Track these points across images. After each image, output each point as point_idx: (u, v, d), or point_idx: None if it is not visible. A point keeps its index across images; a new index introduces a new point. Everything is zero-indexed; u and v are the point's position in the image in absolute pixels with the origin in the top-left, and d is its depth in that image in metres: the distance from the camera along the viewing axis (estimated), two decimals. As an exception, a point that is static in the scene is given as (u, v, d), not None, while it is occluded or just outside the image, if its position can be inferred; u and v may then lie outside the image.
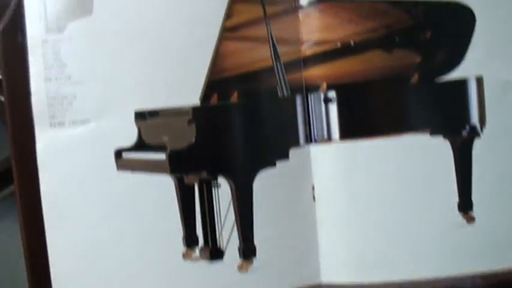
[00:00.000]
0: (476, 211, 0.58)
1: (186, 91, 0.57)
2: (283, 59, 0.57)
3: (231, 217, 0.58)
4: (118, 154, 0.57)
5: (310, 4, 0.56)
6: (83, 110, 0.56)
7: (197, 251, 0.59)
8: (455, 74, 0.59)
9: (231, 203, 0.58)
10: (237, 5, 0.56)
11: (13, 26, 0.57)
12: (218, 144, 0.57)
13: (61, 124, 0.56)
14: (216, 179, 0.58)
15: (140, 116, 0.57)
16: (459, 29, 0.58)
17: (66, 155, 0.57)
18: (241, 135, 0.57)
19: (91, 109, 0.56)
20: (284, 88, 0.58)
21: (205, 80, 0.56)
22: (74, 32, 0.56)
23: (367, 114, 0.59)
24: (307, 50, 0.57)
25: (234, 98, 0.57)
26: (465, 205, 0.59)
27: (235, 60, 0.57)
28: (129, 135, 0.58)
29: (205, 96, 0.57)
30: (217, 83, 0.57)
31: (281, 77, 0.57)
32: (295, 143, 0.58)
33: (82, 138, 0.57)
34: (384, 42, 0.59)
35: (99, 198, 0.57)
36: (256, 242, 0.58)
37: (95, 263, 0.56)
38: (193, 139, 0.57)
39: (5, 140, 1.81)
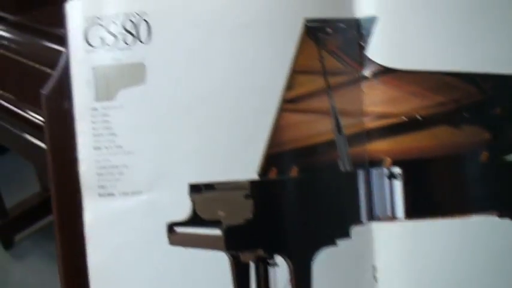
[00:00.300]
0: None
1: (243, 164, 0.54)
2: (345, 132, 0.54)
3: (288, 298, 0.54)
4: (171, 228, 0.55)
5: (374, 75, 0.54)
6: (135, 181, 0.54)
7: (250, 334, 0.55)
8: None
9: (289, 283, 0.54)
10: (298, 75, 0.53)
11: (59, 93, 0.56)
12: (276, 221, 0.54)
13: (111, 195, 0.54)
14: (273, 257, 0.55)
15: (195, 189, 0.55)
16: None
17: (115, 227, 0.54)
18: (301, 211, 0.54)
19: (143, 180, 0.54)
20: (346, 163, 0.55)
21: (264, 153, 0.54)
22: (126, 100, 0.54)
23: (434, 193, 0.56)
24: (370, 122, 0.54)
25: (294, 172, 0.54)
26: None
27: (295, 133, 0.54)
28: (182, 208, 0.55)
29: (264, 170, 0.54)
30: (276, 156, 0.54)
31: (343, 151, 0.55)
32: (357, 220, 0.55)
33: (133, 210, 0.54)
34: (452, 117, 0.56)
35: (149, 273, 0.54)
36: (313, 326, 0.54)
37: None
38: (251, 215, 0.54)
39: (31, 177, 1.80)
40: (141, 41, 0.54)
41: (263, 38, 0.53)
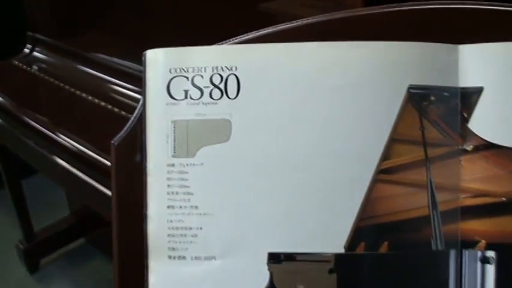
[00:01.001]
0: None
1: (329, 236, 0.50)
2: (440, 208, 0.50)
3: None
4: (244, 300, 0.50)
5: (475, 149, 0.49)
6: (209, 245, 0.50)
7: None
8: None
9: None
10: (396, 144, 0.49)
11: (131, 144, 0.53)
12: (361, 300, 0.49)
13: (182, 258, 0.50)
14: None
15: (275, 258, 0.51)
16: None
17: (184, 293, 0.50)
18: (389, 291, 0.49)
19: (218, 245, 0.50)
20: (439, 241, 0.50)
21: (353, 225, 0.50)
22: (207, 157, 0.51)
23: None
24: (466, 200, 0.50)
25: (384, 248, 0.50)
26: None
27: (388, 206, 0.50)
28: (258, 278, 0.51)
29: (351, 243, 0.50)
30: (366, 230, 0.50)
31: (437, 228, 0.50)
32: (445, 305, 0.50)
33: (204, 276, 0.50)
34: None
35: None
36: None
37: None
38: (333, 291, 0.49)
39: (61, 200, 1.79)
40: (228, 97, 0.50)
41: (364, 101, 0.49)
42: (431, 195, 0.51)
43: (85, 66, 1.61)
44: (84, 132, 1.35)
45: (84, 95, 1.52)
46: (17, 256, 1.90)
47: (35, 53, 1.68)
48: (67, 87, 1.56)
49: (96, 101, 1.51)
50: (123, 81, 1.47)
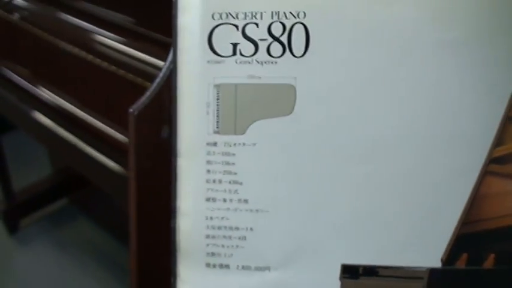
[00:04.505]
0: None
1: (421, 245, 0.38)
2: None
3: None
4: (306, 322, 0.38)
5: None
6: (262, 252, 0.38)
7: None
8: None
9: None
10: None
11: (156, 114, 0.40)
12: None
13: (224, 267, 0.38)
14: None
15: (350, 271, 0.39)
16: None
17: (226, 312, 0.38)
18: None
19: (274, 252, 0.39)
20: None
21: (454, 231, 0.38)
22: (261, 136, 0.38)
23: None
24: None
25: (490, 262, 0.38)
26: None
27: (498, 207, 0.38)
28: (325, 295, 0.39)
29: (451, 255, 0.38)
30: (470, 237, 0.38)
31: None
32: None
33: None
34: None
35: None
36: None
37: None
38: (423, 316, 0.38)
39: (43, 157, 1.69)
40: (293, 54, 0.37)
41: (475, 65, 0.36)
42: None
43: (70, 15, 1.50)
44: (67, 86, 1.26)
45: (69, 46, 1.42)
46: (-4, 216, 1.83)
47: (17, 0, 1.57)
48: (51, 37, 1.45)
49: (83, 53, 1.40)
50: (112, 33, 1.37)
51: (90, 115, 1.07)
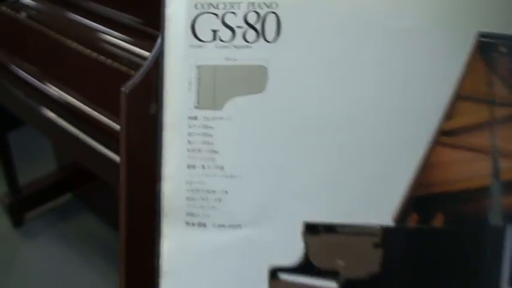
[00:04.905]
0: None
1: (376, 205, 0.43)
2: (502, 177, 0.43)
3: None
4: (274, 274, 0.44)
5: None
6: (235, 212, 0.44)
7: None
8: None
9: None
10: (460, 102, 0.42)
11: (145, 93, 0.45)
12: (407, 278, 0.43)
13: (202, 225, 0.43)
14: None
15: (311, 229, 0.44)
16: None
17: (202, 265, 0.44)
18: (437, 270, 0.43)
19: (245, 212, 0.44)
20: (498, 215, 0.44)
21: (405, 193, 0.43)
22: (236, 110, 0.43)
23: None
24: (533, 168, 0.43)
25: (438, 221, 0.43)
26: None
27: (447, 173, 0.43)
28: (290, 251, 0.44)
29: (402, 215, 0.43)
30: (419, 199, 0.43)
31: (496, 200, 0.43)
32: (496, 286, 0.44)
33: (227, 247, 0.44)
34: None
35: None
36: None
37: None
38: (378, 268, 0.43)
39: (48, 154, 1.72)
40: (266, 39, 0.42)
41: (428, 49, 0.41)
42: (494, 162, 0.44)
43: (77, 15, 1.53)
44: (73, 83, 1.29)
45: (75, 44, 1.45)
46: (1, 209, 1.85)
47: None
48: (57, 36, 1.49)
49: (88, 51, 1.44)
50: (116, 32, 1.41)
51: (96, 110, 1.11)
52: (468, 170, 0.44)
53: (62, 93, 1.24)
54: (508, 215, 0.44)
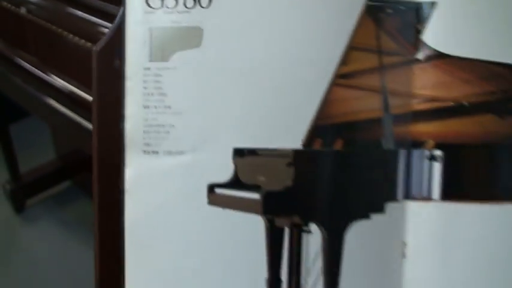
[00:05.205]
0: None
1: (288, 134, 0.55)
2: (392, 111, 0.55)
3: (318, 265, 0.56)
4: (211, 189, 0.56)
5: (427, 59, 0.54)
6: (180, 141, 0.55)
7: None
8: None
9: (320, 251, 0.55)
10: (353, 52, 0.54)
11: (111, 50, 0.57)
12: (315, 191, 0.55)
13: (155, 153, 0.55)
14: (308, 225, 0.56)
15: (239, 153, 0.56)
16: None
17: (156, 185, 0.55)
18: (340, 184, 0.55)
19: (188, 141, 0.55)
20: (389, 141, 0.56)
21: (311, 124, 0.55)
22: (179, 62, 0.55)
23: (473, 178, 0.57)
24: (417, 105, 0.55)
25: (338, 145, 0.55)
26: None
27: (344, 108, 0.55)
28: (224, 171, 0.56)
29: (309, 140, 0.55)
30: (322, 128, 0.55)
31: (388, 129, 0.55)
32: (393, 198, 0.56)
33: (175, 169, 0.55)
34: (499, 107, 0.56)
35: (185, 230, 0.55)
36: (340, 291, 0.55)
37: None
38: (290, 182, 0.55)
39: (48, 145, 1.79)
40: (201, 6, 0.55)
41: (323, 11, 0.54)
42: (384, 99, 0.56)
43: (75, 9, 1.60)
44: (72, 72, 1.36)
45: (72, 36, 1.52)
46: (3, 196, 1.92)
47: None
48: (56, 28, 1.55)
49: (89, 44, 1.51)
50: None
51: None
52: (362, 105, 0.56)
53: (62, 81, 1.33)
54: (399, 141, 0.56)
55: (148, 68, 0.55)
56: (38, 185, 1.96)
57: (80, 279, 1.57)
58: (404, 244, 0.55)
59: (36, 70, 1.39)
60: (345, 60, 0.54)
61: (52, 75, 1.35)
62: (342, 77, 0.55)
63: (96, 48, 0.58)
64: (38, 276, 1.71)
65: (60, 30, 1.52)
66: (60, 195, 2.00)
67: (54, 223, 1.90)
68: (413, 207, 0.56)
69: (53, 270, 1.72)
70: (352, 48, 0.54)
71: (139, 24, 0.56)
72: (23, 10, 1.59)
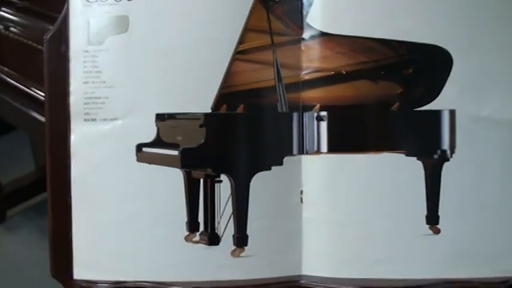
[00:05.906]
0: (442, 225, 0.67)
1: (201, 100, 0.68)
2: (284, 81, 0.68)
3: (229, 209, 0.68)
4: (139, 148, 0.68)
5: (311, 38, 0.67)
6: (113, 110, 0.67)
7: (197, 236, 0.69)
8: (432, 106, 0.69)
9: (230, 197, 0.67)
10: (249, 32, 0.67)
11: (58, 38, 0.69)
12: (223, 147, 0.68)
13: (93, 120, 0.67)
14: (219, 175, 0.68)
15: (160, 117, 0.68)
16: (437, 68, 0.68)
17: (95, 147, 0.68)
18: (244, 141, 0.68)
19: (120, 109, 0.67)
20: (283, 105, 0.68)
21: (217, 92, 0.67)
22: (111, 45, 0.67)
23: (352, 133, 0.70)
24: (305, 75, 0.67)
25: (241, 109, 0.68)
26: (432, 218, 0.67)
27: (243, 78, 0.68)
28: (149, 133, 0.68)
29: (216, 106, 0.68)
30: (227, 95, 0.68)
31: (281, 95, 0.68)
32: (289, 152, 0.68)
33: (110, 133, 0.67)
34: (372, 73, 0.69)
35: (120, 184, 0.67)
36: (248, 232, 0.67)
37: (111, 238, 0.67)
38: (203, 140, 0.67)
39: (28, 160, 1.84)
40: (127, -1, 0.68)
41: (224, 1, 0.67)
42: (277, 71, 0.69)
43: (51, 25, 1.63)
44: None
45: None
46: (-16, 207, 1.97)
47: (1, 13, 1.72)
48: (35, 45, 1.61)
49: None
50: None
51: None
52: (258, 76, 0.69)
53: (39, 92, 1.41)
54: (292, 105, 0.69)
55: (87, 51, 0.68)
56: (19, 196, 1.98)
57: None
58: (302, 192, 0.68)
59: (18, 84, 1.45)
60: (242, 40, 0.67)
61: (33, 89, 1.42)
62: (241, 53, 0.68)
63: (46, 36, 0.71)
64: (19, 282, 1.75)
65: (38, 45, 1.58)
66: (40, 204, 2.02)
67: (35, 231, 1.94)
68: (307, 160, 0.68)
69: (33, 274, 1.72)
70: (248, 29, 0.67)
71: (80, 15, 0.68)
72: (0, 27, 1.66)
